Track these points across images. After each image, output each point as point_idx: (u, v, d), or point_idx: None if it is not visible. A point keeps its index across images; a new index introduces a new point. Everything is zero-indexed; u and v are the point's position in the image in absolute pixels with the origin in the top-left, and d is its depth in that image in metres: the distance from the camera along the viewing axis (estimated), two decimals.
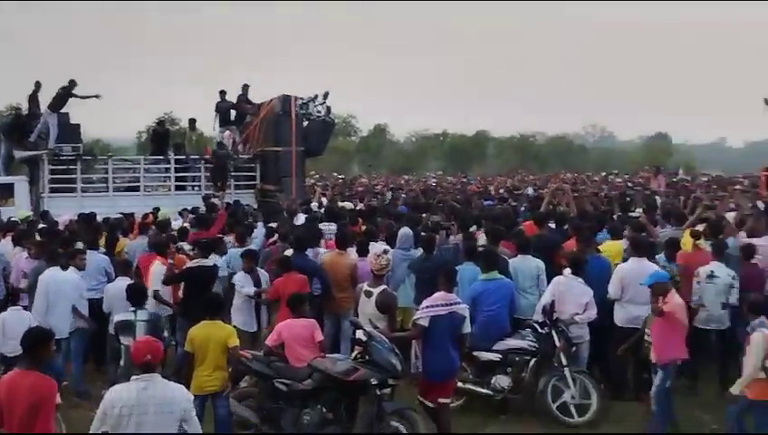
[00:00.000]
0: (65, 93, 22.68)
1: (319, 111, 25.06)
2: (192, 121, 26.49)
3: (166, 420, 6.50)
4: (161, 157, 25.10)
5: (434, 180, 36.51)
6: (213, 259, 12.71)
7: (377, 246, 11.58)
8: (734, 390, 9.01)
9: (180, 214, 18.64)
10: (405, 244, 13.06)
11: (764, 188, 24.90)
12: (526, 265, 11.71)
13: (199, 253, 12.33)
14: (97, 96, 23.21)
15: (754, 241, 12.71)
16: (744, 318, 11.16)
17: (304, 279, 11.59)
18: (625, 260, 11.80)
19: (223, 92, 25.31)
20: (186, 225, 16.29)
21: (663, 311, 9.64)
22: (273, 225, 15.25)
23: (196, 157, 24.96)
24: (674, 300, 9.75)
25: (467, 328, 9.49)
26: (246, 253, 12.58)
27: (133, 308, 10.23)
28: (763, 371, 8.79)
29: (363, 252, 12.12)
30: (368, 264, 10.51)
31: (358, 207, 18.77)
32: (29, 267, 12.78)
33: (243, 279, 12.16)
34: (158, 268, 12.22)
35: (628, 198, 19.11)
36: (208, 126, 26.99)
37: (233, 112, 25.51)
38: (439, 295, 9.43)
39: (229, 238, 14.34)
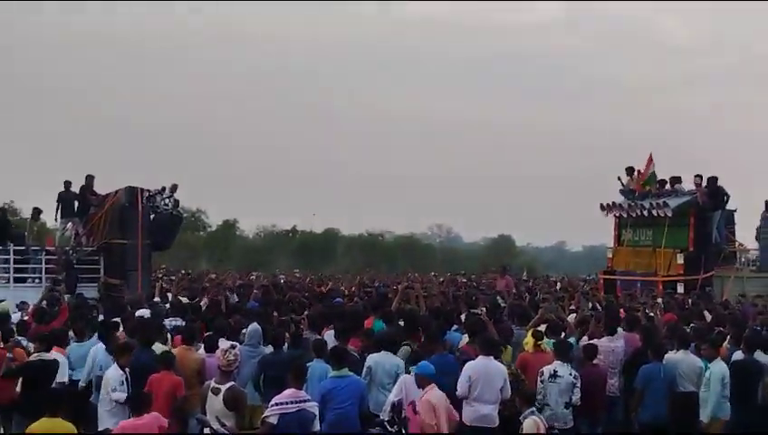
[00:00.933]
0: None
1: (166, 205, 24.75)
2: (37, 211, 25.62)
3: None
4: (0, 247, 24.11)
5: (282, 277, 36.38)
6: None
7: (225, 343, 11.42)
8: None
9: (19, 307, 17.91)
10: (252, 340, 12.92)
11: (603, 291, 25.94)
12: (387, 361, 11.72)
13: (40, 347, 11.88)
14: None
15: (595, 342, 13.18)
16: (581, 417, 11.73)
17: (179, 381, 11.17)
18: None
19: (67, 183, 24.60)
20: (25, 318, 15.69)
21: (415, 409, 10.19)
22: (117, 319, 14.82)
23: (38, 248, 24.13)
24: (426, 396, 10.19)
25: (317, 426, 9.42)
26: (125, 347, 11.80)
27: None
28: None
29: (211, 348, 11.91)
30: (216, 360, 10.34)
31: (203, 303, 18.48)
32: None
33: (116, 380, 11.20)
34: None
35: (473, 298, 19.48)
36: (51, 217, 26.18)
37: (76, 204, 24.86)
38: (289, 392, 9.35)
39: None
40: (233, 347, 10.23)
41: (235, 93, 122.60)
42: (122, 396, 11.07)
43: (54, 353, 12.14)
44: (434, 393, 10.36)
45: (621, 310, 17.29)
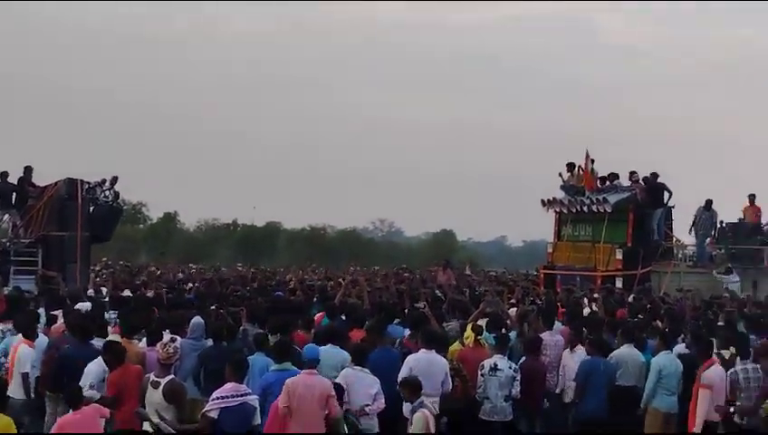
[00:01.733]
0: None
1: (106, 197, 24.53)
2: None
3: None
4: None
5: (224, 270, 36.16)
6: None
7: (165, 336, 11.33)
8: None
9: None
10: (195, 333, 12.78)
11: (543, 285, 26.17)
12: (336, 353, 11.65)
13: None
14: None
15: (540, 336, 13.28)
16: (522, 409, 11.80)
17: (140, 370, 10.80)
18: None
19: (4, 174, 24.18)
20: None
21: None
22: (57, 312, 14.60)
23: None
24: (291, 379, 9.97)
25: (258, 419, 9.41)
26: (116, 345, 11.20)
27: None
28: None
29: (154, 341, 11.75)
30: (156, 353, 10.25)
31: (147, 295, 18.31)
32: None
33: (98, 375, 10.64)
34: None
35: (417, 291, 19.57)
36: None
37: (14, 195, 24.44)
38: (230, 386, 9.32)
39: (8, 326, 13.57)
40: (172, 340, 10.20)
41: (179, 84, 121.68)
42: (95, 395, 10.45)
43: (22, 345, 12.01)
44: (303, 379, 9.96)
45: (559, 304, 17.50)
